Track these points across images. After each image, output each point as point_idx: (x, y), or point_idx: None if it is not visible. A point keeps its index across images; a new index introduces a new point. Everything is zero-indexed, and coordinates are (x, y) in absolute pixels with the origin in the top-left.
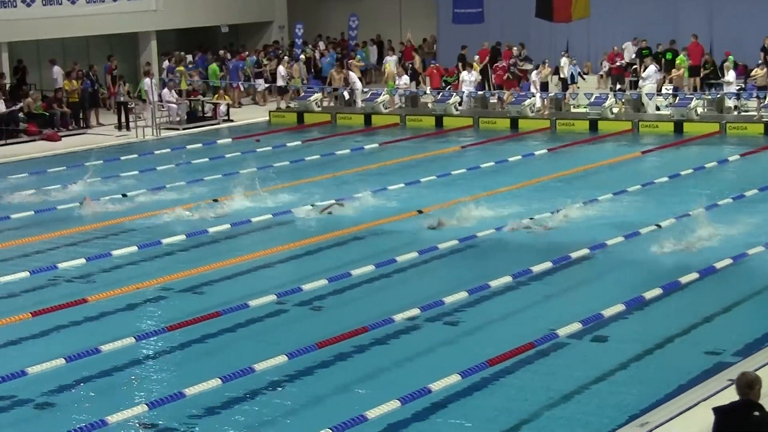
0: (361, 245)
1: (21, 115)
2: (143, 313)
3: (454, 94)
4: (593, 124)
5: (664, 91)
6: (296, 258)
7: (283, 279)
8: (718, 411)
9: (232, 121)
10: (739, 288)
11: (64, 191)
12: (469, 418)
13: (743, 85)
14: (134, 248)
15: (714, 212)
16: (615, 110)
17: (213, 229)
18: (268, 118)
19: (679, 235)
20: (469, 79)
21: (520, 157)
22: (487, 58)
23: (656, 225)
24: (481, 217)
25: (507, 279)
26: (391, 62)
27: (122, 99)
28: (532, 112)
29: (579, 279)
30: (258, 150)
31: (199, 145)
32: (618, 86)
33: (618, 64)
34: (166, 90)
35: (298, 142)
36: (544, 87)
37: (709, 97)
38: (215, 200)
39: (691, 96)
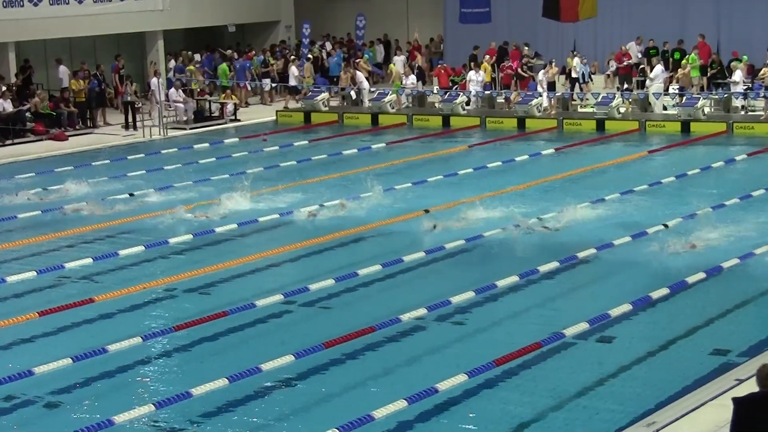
0: (368, 245)
1: (28, 114)
2: (150, 312)
3: (461, 93)
4: (600, 124)
5: (671, 90)
6: (303, 258)
7: (290, 279)
8: (737, 402)
9: (239, 120)
10: (746, 288)
11: (71, 191)
12: (476, 417)
13: (750, 85)
14: (141, 248)
15: (721, 212)
16: (622, 110)
17: (220, 228)
18: (275, 117)
19: (686, 234)
20: (476, 78)
21: (527, 156)
22: (494, 57)
23: (663, 225)
24: (488, 217)
25: (514, 279)
26: (398, 61)
27: (129, 99)
28: (539, 111)
29: (586, 279)
30: (265, 150)
31: (206, 144)
32: (625, 86)
33: (626, 63)
34: (173, 89)
35: (305, 142)
36: (551, 87)
37: (716, 96)
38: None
39: (698, 96)
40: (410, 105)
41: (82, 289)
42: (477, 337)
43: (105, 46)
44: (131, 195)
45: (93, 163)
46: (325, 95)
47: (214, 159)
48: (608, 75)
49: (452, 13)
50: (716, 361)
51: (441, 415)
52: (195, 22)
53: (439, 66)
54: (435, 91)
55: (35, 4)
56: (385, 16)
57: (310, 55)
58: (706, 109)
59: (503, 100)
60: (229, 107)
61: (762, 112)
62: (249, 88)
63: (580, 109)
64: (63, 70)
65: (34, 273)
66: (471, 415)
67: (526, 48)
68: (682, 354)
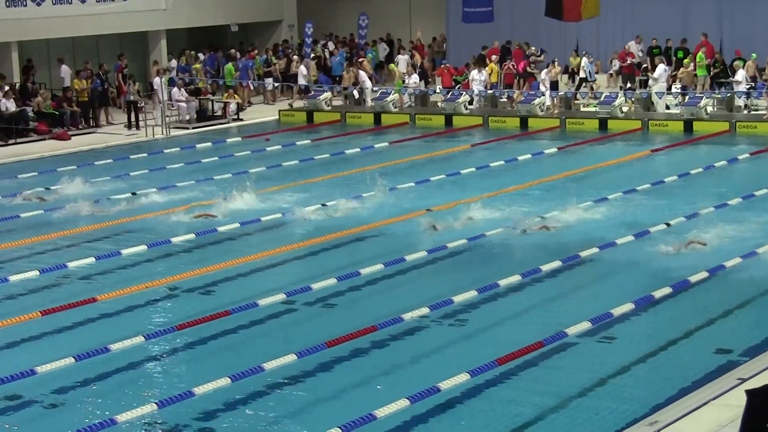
0: (370, 244)
1: (31, 114)
2: (152, 312)
3: (464, 93)
4: (603, 123)
5: (673, 90)
6: (305, 257)
7: (293, 278)
8: (751, 393)
9: (241, 120)
10: (749, 287)
11: (73, 190)
12: (478, 416)
13: (753, 84)
14: (144, 247)
15: (723, 211)
16: (625, 109)
17: (222, 228)
18: (277, 117)
19: (689, 234)
20: (479, 78)
21: (529, 156)
22: (497, 57)
23: (666, 224)
24: (491, 216)
25: (516, 278)
26: (401, 60)
27: (132, 98)
28: (542, 111)
29: (588, 278)
30: (268, 149)
31: (209, 144)
32: (628, 85)
33: (629, 62)
34: (175, 89)
35: (308, 141)
36: (554, 86)
37: (719, 96)
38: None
39: (701, 95)
40: (413, 104)
41: (85, 288)
42: (479, 336)
43: (108, 45)
44: (134, 194)
45: (95, 163)
46: (327, 95)
47: (216, 158)
48: (611, 74)
49: (455, 13)
50: (718, 360)
51: (443, 414)
52: (198, 22)
53: (442, 66)
54: (437, 91)
55: (38, 4)
56: (388, 15)
57: (313, 54)
58: (709, 109)
59: (506, 100)
60: (232, 107)
61: (765, 112)
62: (252, 88)
63: (582, 109)
64: (65, 70)
65: (37, 272)
66: (473, 414)
67: (532, 48)
68: (685, 353)
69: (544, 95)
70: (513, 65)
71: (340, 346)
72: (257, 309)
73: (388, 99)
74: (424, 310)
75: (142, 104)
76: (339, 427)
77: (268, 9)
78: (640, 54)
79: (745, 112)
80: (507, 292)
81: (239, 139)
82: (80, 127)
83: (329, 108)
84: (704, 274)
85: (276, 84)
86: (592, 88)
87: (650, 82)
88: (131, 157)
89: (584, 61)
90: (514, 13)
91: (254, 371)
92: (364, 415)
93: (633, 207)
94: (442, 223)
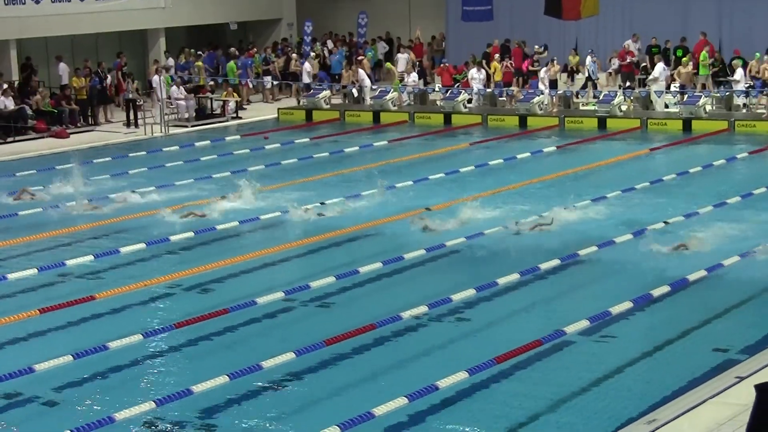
0: (369, 243)
1: (29, 112)
2: (151, 310)
3: (463, 91)
4: (602, 122)
5: (672, 88)
6: (304, 255)
7: (291, 276)
8: (760, 388)
9: (240, 118)
10: (747, 285)
11: (72, 188)
12: (477, 415)
13: (752, 83)
14: (142, 245)
15: (722, 210)
16: (624, 108)
17: (221, 226)
18: (276, 115)
19: (687, 232)
20: (478, 76)
21: (528, 154)
22: (498, 55)
23: (664, 222)
24: (489, 214)
25: (515, 276)
26: (401, 59)
27: (131, 96)
28: (541, 109)
29: (587, 277)
30: (266, 147)
31: (208, 142)
32: (627, 84)
33: (628, 61)
34: (174, 87)
35: (307, 140)
36: (553, 84)
37: (718, 94)
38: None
39: (700, 94)
40: (412, 103)
41: (83, 286)
42: (477, 334)
43: (107, 43)
44: (132, 192)
45: (94, 161)
46: (326, 93)
47: (215, 156)
48: (610, 73)
49: (454, 11)
50: (717, 358)
51: (441, 413)
52: (197, 20)
53: (441, 65)
54: (437, 89)
55: (37, 2)
56: (387, 14)
57: (313, 53)
58: (708, 107)
59: (505, 98)
60: (231, 105)
61: (763, 110)
62: (251, 86)
63: (582, 107)
64: (63, 68)
65: (35, 270)
66: (471, 412)
67: (535, 46)
68: (683, 352)
69: (543, 94)
70: (511, 64)
71: (338, 344)
72: (256, 307)
73: (387, 97)
74: (423, 309)
75: (141, 102)
76: (337, 425)
77: (268, 7)
78: (637, 52)
79: (744, 111)
80: (505, 290)
81: (238, 137)
82: (79, 125)
83: (328, 106)
84: (703, 273)
85: (275, 82)
86: (594, 87)
87: (649, 80)
88: (130, 155)
89: (588, 59)
90: (514, 12)
91: (253, 369)
92: (362, 413)
93: (632, 206)
94: (441, 221)
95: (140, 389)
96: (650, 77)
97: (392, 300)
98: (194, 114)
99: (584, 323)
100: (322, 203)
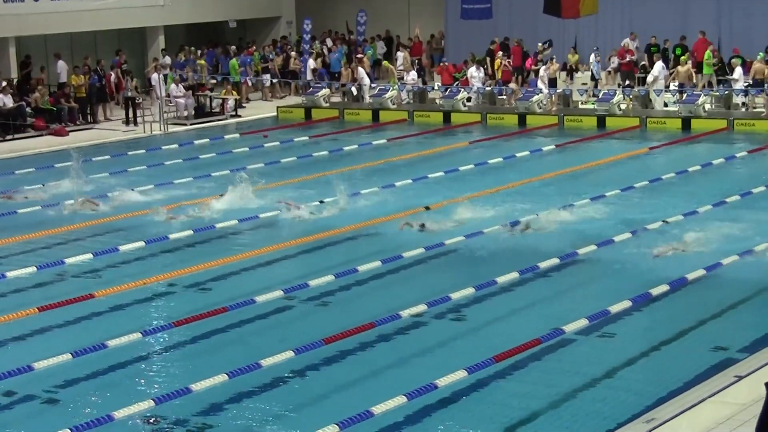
0: (367, 241)
1: (28, 110)
2: (150, 308)
3: (462, 90)
4: (601, 121)
5: (671, 87)
6: (303, 254)
7: (290, 275)
8: None
9: (239, 116)
10: (746, 284)
11: (71, 187)
12: (476, 413)
13: (751, 82)
14: (141, 243)
15: (721, 209)
16: (623, 106)
17: (220, 224)
18: (275, 113)
19: (686, 231)
20: (477, 75)
21: (527, 153)
22: (501, 53)
23: (663, 221)
24: (488, 213)
25: (514, 275)
26: (400, 57)
27: (130, 94)
28: (540, 108)
29: (586, 275)
30: (265, 145)
31: (207, 140)
32: (627, 82)
33: (628, 60)
34: (173, 85)
35: (306, 138)
36: (552, 83)
37: (717, 93)
38: (321, 202)
39: (699, 93)
40: (411, 101)
41: (82, 284)
42: (476, 333)
43: (106, 41)
44: (132, 190)
45: (93, 159)
46: (326, 91)
47: (214, 155)
48: (609, 71)
49: (454, 10)
50: (716, 357)
51: (440, 411)
52: (196, 18)
53: (441, 64)
54: (436, 87)
55: (36, 0)
56: (387, 12)
57: (312, 51)
58: (707, 106)
59: (504, 97)
60: (230, 103)
61: (763, 109)
62: (249, 84)
63: (581, 106)
64: (61, 65)
65: (34, 268)
66: (470, 411)
67: (539, 44)
68: (682, 351)
69: (542, 92)
70: (509, 63)
71: (337, 343)
72: (254, 306)
73: (387, 96)
74: (422, 307)
75: (140, 100)
76: (336, 424)
77: (267, 5)
78: (635, 51)
79: (743, 109)
80: (505, 289)
81: (237, 135)
82: (78, 123)
83: (327, 105)
84: (702, 272)
85: (274, 80)
86: (596, 85)
87: (649, 78)
88: (129, 153)
89: (591, 58)
90: (513, 10)
91: (251, 368)
92: (361, 411)
93: (631, 204)
94: (440, 220)
95: (139, 387)
96: (650, 76)
97: (391, 299)
98: (193, 112)
99: (583, 322)
100: (320, 201)
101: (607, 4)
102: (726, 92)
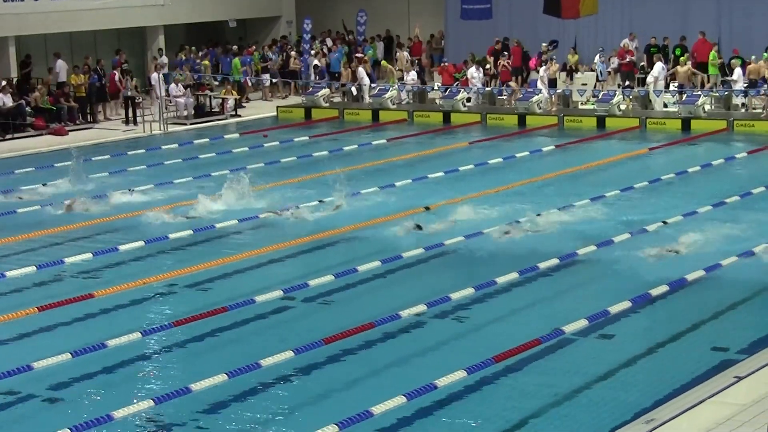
0: (367, 241)
1: (28, 109)
2: (150, 308)
3: (462, 90)
4: (601, 121)
5: (671, 88)
6: (303, 254)
7: (290, 275)
8: None
9: (239, 116)
10: (745, 285)
11: (72, 186)
12: (475, 414)
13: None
14: (141, 243)
15: (721, 210)
16: (623, 107)
17: (220, 224)
18: (275, 113)
19: (686, 232)
20: (478, 75)
21: (527, 153)
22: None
23: (663, 222)
24: (488, 213)
25: (514, 275)
26: (401, 57)
27: (129, 93)
28: (540, 108)
29: (585, 276)
30: (265, 145)
31: (207, 140)
32: (627, 83)
33: (628, 60)
34: (173, 84)
35: (306, 138)
36: (552, 83)
37: (717, 94)
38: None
39: (699, 93)
40: (411, 101)
41: (82, 284)
42: (476, 333)
43: (106, 40)
44: (131, 190)
45: (93, 159)
46: (325, 91)
47: (214, 154)
48: (609, 72)
49: (453, 10)
50: (716, 358)
51: (440, 412)
52: (196, 17)
53: (442, 64)
54: (435, 88)
55: None
56: (387, 12)
57: (313, 51)
58: (707, 107)
59: (505, 97)
60: (230, 102)
61: (762, 110)
62: (249, 83)
63: (581, 106)
64: (61, 65)
65: (34, 268)
66: (470, 411)
67: (543, 44)
68: (681, 351)
69: (541, 93)
70: (508, 62)
71: (337, 343)
72: (254, 306)
73: (386, 96)
74: (422, 308)
75: (140, 100)
76: (335, 424)
77: (267, 5)
78: (635, 51)
79: (743, 110)
80: (504, 289)
81: (237, 135)
82: (78, 122)
83: (327, 105)
84: (701, 273)
85: (273, 80)
86: (603, 86)
87: (649, 79)
88: (129, 153)
89: (596, 59)
90: (513, 10)
91: (251, 368)
92: (361, 411)
93: (630, 205)
94: (440, 220)
95: (139, 387)
96: (650, 77)
97: (391, 299)
98: (193, 112)
99: (583, 322)
100: (320, 201)
101: (607, 5)
102: (726, 93)
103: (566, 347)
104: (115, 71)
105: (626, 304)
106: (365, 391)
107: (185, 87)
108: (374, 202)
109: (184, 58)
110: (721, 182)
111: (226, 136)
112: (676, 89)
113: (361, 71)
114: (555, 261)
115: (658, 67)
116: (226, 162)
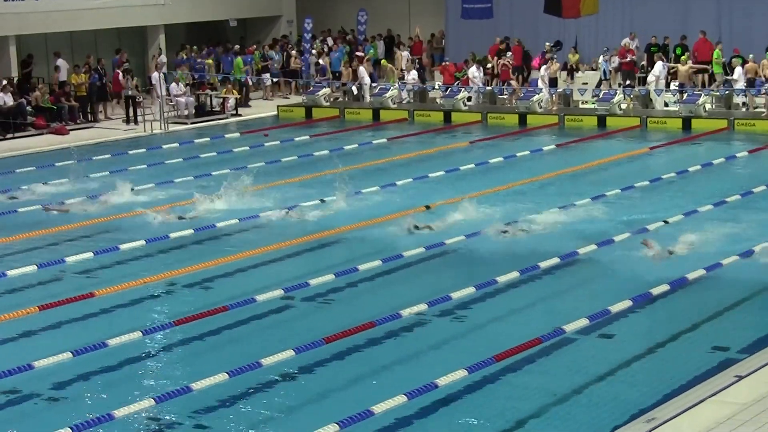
0: (368, 240)
1: (29, 108)
2: (150, 307)
3: (463, 89)
4: (601, 120)
5: (672, 87)
6: (303, 253)
7: (291, 274)
8: None
9: (240, 115)
10: (746, 284)
11: (73, 185)
12: (476, 413)
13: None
14: (142, 242)
15: (721, 209)
16: (623, 106)
17: (221, 224)
18: (276, 112)
19: (686, 231)
20: (479, 75)
21: (528, 152)
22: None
23: (664, 221)
24: (488, 212)
25: (514, 275)
26: (402, 56)
27: (130, 93)
28: (541, 107)
29: (586, 275)
30: (266, 144)
31: (207, 139)
32: (627, 82)
33: (629, 59)
34: (173, 84)
35: (306, 137)
36: (553, 83)
37: (717, 93)
38: (322, 200)
39: (699, 92)
40: (411, 100)
41: (83, 283)
42: (477, 332)
43: (106, 40)
44: (132, 189)
45: (94, 158)
46: (326, 90)
47: (215, 154)
48: (610, 71)
49: (454, 9)
50: (716, 357)
51: (441, 411)
52: (196, 17)
53: (443, 64)
54: (436, 87)
55: None
56: (387, 12)
57: (314, 50)
58: (707, 106)
59: (506, 96)
60: (230, 102)
61: (763, 109)
62: (250, 83)
63: (581, 106)
64: (60, 64)
65: (35, 267)
66: (470, 410)
67: (546, 44)
68: (682, 350)
69: (542, 92)
70: (509, 62)
71: (337, 342)
72: (255, 305)
73: (387, 95)
74: (422, 307)
75: (141, 99)
76: (336, 423)
77: (267, 4)
78: (635, 50)
79: (744, 109)
80: (505, 288)
81: (237, 134)
82: (78, 121)
83: (328, 104)
84: (702, 272)
85: (274, 79)
86: (598, 85)
87: (649, 78)
88: (129, 152)
89: (601, 59)
90: (514, 10)
91: (252, 367)
92: (361, 411)
93: (631, 204)
94: (441, 219)
95: (140, 386)
96: (650, 76)
97: (392, 298)
98: (194, 111)
99: (584, 322)
100: (321, 201)
101: (608, 4)
102: (726, 92)
103: (567, 346)
104: (118, 71)
105: (627, 304)
106: (366, 391)
107: (185, 86)
108: (375, 201)
109: (185, 57)
110: (722, 181)
111: (226, 136)
112: (677, 88)
113: (361, 71)
114: (556, 260)
115: (659, 66)
116: (227, 161)
